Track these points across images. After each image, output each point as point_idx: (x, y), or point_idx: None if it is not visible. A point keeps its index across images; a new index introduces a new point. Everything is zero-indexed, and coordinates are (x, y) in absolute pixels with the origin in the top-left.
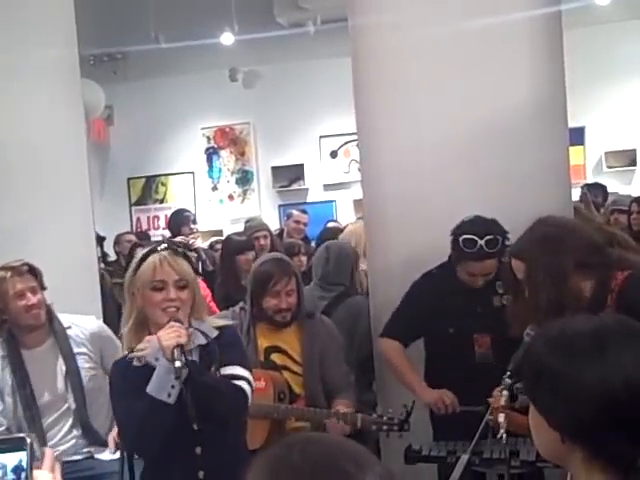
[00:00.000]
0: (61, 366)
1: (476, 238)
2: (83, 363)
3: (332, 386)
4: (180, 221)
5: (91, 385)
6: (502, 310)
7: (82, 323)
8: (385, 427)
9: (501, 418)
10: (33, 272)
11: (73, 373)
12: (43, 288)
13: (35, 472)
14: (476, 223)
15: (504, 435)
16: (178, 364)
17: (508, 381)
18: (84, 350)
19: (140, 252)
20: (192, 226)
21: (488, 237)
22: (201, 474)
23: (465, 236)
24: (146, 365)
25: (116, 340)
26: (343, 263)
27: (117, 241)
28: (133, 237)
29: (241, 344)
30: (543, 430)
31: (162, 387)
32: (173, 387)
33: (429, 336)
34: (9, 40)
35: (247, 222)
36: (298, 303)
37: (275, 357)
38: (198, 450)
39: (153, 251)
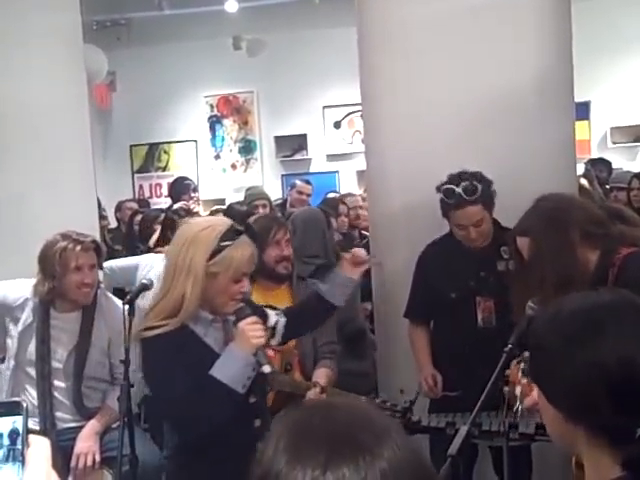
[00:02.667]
0: (75, 341)
1: (452, 186)
2: (98, 345)
3: (317, 349)
4: (180, 189)
5: (94, 370)
6: (506, 275)
7: (114, 304)
8: (388, 413)
9: (518, 391)
10: (98, 250)
11: (80, 354)
12: (101, 268)
13: (31, 437)
14: (456, 174)
15: (520, 408)
16: (267, 369)
17: (524, 354)
18: (103, 335)
19: (218, 228)
20: (192, 194)
21: (464, 184)
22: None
23: (444, 187)
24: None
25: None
26: (311, 232)
27: (119, 208)
28: (135, 205)
29: None
30: (548, 411)
31: (239, 379)
32: (249, 379)
33: (434, 303)
34: (11, 5)
35: (248, 190)
36: (292, 263)
37: None
38: (257, 423)
39: (238, 233)
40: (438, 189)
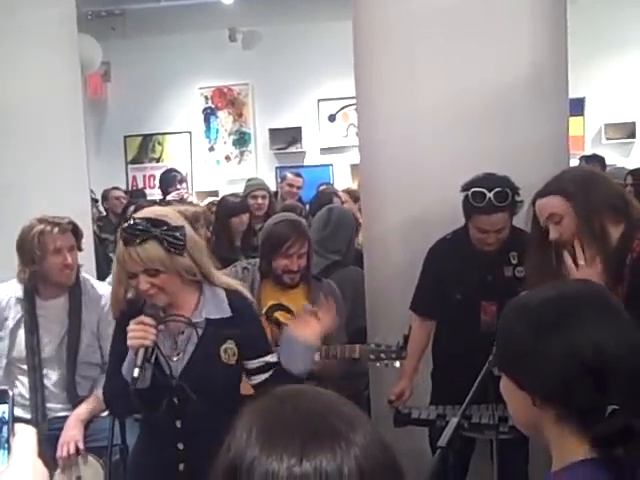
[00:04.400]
0: (64, 327)
1: (484, 191)
2: (88, 328)
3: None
4: (167, 182)
5: (86, 355)
6: (513, 281)
7: (99, 288)
8: (383, 355)
9: None
10: (76, 232)
11: (72, 339)
12: (80, 249)
13: (17, 425)
14: (485, 177)
15: None
16: (135, 373)
17: None
18: (92, 319)
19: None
20: (178, 186)
21: (497, 189)
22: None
23: (474, 189)
24: None
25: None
26: (343, 229)
27: (105, 197)
28: (121, 193)
29: (260, 323)
30: (514, 397)
31: (128, 373)
32: (135, 378)
33: (439, 300)
34: None
35: (248, 180)
36: (307, 266)
37: (279, 314)
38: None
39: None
40: (465, 188)
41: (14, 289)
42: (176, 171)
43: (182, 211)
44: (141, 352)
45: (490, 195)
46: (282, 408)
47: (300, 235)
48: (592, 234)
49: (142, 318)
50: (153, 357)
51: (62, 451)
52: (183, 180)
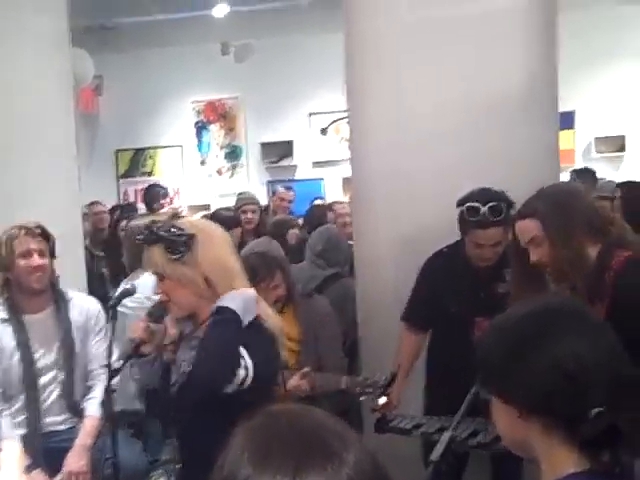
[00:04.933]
0: (57, 336)
1: (479, 205)
2: (76, 337)
3: (324, 370)
4: (151, 197)
5: (79, 359)
6: (506, 297)
7: (82, 300)
8: (369, 390)
9: None
10: (45, 235)
11: (67, 345)
12: (53, 255)
13: (3, 442)
14: (480, 192)
15: None
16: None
17: None
18: (79, 325)
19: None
20: (162, 201)
21: (491, 204)
22: None
23: (468, 204)
24: None
25: (103, 322)
26: (343, 244)
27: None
28: (102, 208)
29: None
30: (501, 413)
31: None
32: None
33: (432, 314)
34: None
35: (239, 195)
36: (288, 291)
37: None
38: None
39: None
40: (460, 203)
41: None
42: (160, 186)
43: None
44: (128, 345)
45: (484, 209)
46: (275, 426)
47: (269, 269)
48: (567, 257)
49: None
50: (155, 359)
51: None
52: (167, 195)
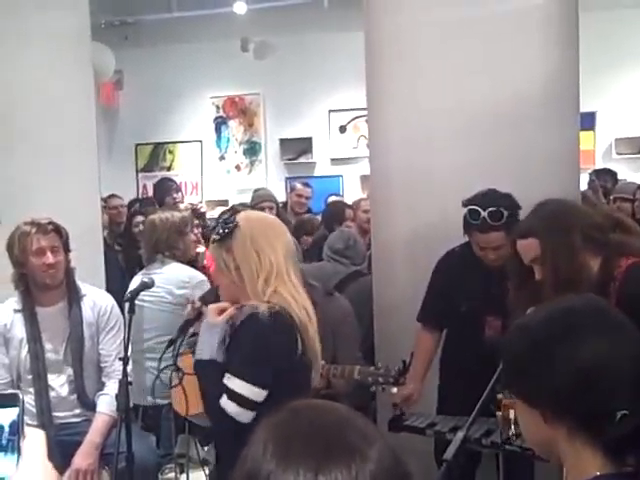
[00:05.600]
0: (66, 330)
1: (479, 209)
2: (86, 332)
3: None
4: (163, 191)
5: (89, 355)
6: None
7: (96, 295)
8: (381, 379)
9: (512, 415)
10: (58, 231)
11: (76, 340)
12: (67, 250)
13: (26, 428)
14: (483, 195)
15: (515, 431)
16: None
17: None
18: (91, 321)
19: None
20: (174, 195)
21: (491, 209)
22: None
23: (470, 207)
24: None
25: (120, 319)
26: (362, 245)
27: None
28: (120, 202)
29: (249, 344)
30: (526, 415)
31: None
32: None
33: (445, 312)
34: (20, 4)
35: (256, 191)
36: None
37: None
38: None
39: None
40: (464, 205)
41: (13, 303)
42: (171, 180)
43: (168, 217)
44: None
45: (484, 214)
46: (298, 422)
47: None
48: (569, 274)
49: None
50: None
51: (77, 479)
52: (179, 189)
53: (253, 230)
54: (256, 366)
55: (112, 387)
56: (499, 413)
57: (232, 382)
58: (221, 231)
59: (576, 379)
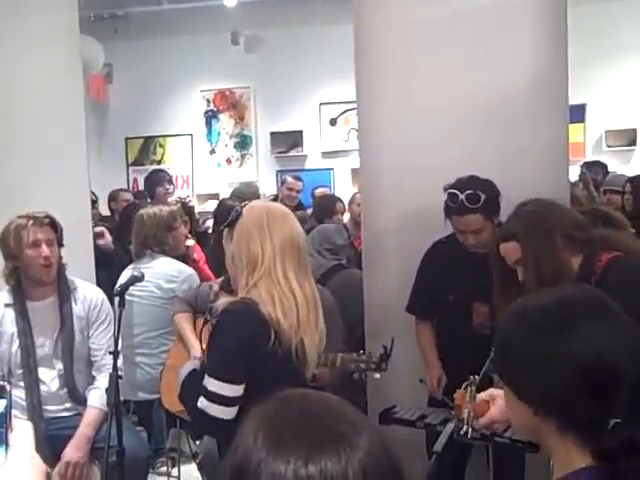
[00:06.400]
0: (57, 324)
1: (457, 192)
2: (77, 326)
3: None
4: (155, 181)
5: (79, 349)
6: None
7: (86, 289)
8: (363, 366)
9: (465, 414)
10: (53, 225)
11: (66, 334)
12: (60, 244)
13: (14, 420)
14: (463, 180)
15: (469, 431)
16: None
17: (472, 378)
18: (81, 315)
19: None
20: (167, 186)
21: (468, 192)
22: None
23: (449, 190)
24: None
25: (110, 312)
26: (343, 241)
27: (113, 198)
28: (130, 196)
29: (217, 342)
30: (515, 406)
31: None
32: None
33: (434, 302)
34: None
35: (238, 188)
36: None
37: None
38: None
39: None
40: (445, 189)
41: (3, 298)
42: (163, 171)
43: (156, 212)
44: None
45: (462, 197)
46: (288, 411)
47: None
48: (551, 275)
49: None
50: None
51: (67, 470)
52: (171, 180)
53: (249, 221)
54: (226, 363)
55: (103, 381)
56: (452, 412)
57: (208, 382)
58: (228, 221)
59: (569, 376)
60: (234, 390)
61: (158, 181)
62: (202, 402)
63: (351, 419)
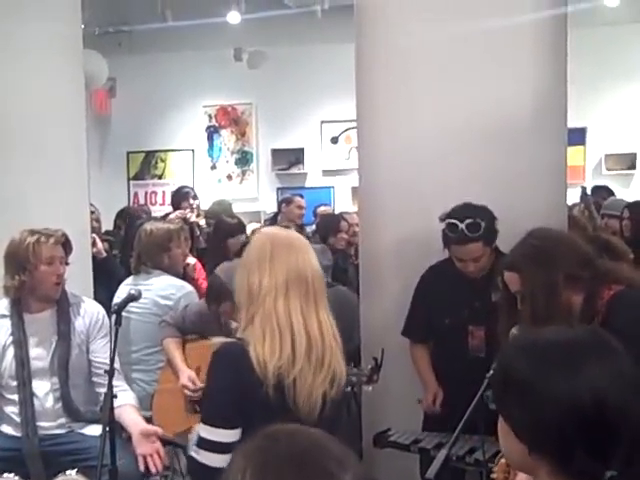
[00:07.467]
0: (54, 338)
1: (457, 222)
2: (74, 340)
3: None
4: (180, 197)
5: (76, 363)
6: (499, 306)
7: (87, 304)
8: (354, 379)
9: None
10: (67, 245)
11: (62, 348)
12: (67, 263)
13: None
14: (460, 208)
15: None
16: None
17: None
18: (81, 329)
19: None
20: (191, 201)
21: (468, 221)
22: None
23: (448, 220)
24: None
25: (107, 327)
26: (327, 260)
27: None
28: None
29: (209, 385)
30: (510, 440)
31: None
32: None
33: (430, 326)
34: (11, 10)
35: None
36: None
37: None
38: None
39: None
40: (442, 219)
41: (1, 307)
42: (188, 187)
43: (153, 230)
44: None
45: (462, 226)
46: (275, 448)
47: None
48: (544, 313)
49: None
50: None
51: (152, 465)
52: (196, 196)
53: (251, 251)
54: (214, 406)
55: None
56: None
57: (200, 428)
58: (237, 252)
59: (568, 418)
60: (224, 435)
61: (182, 197)
62: (193, 449)
63: (338, 456)
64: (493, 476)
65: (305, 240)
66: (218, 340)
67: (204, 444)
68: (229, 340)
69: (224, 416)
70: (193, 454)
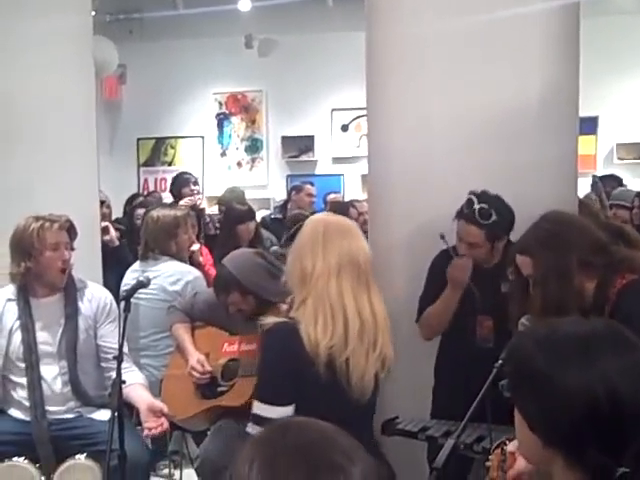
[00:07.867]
0: (61, 322)
1: (475, 200)
2: (82, 325)
3: None
4: (180, 183)
5: (84, 348)
6: (508, 296)
7: (94, 289)
8: None
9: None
10: (72, 230)
11: (70, 332)
12: (72, 249)
13: None
14: (489, 193)
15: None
16: None
17: (508, 443)
18: (88, 314)
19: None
20: (192, 187)
21: (484, 205)
22: None
23: (469, 196)
24: None
25: (115, 312)
26: None
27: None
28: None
29: (260, 364)
30: (525, 432)
31: None
32: None
33: None
34: (22, 1)
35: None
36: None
37: None
38: None
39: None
40: (469, 193)
41: (7, 292)
42: (188, 173)
43: (160, 217)
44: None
45: (477, 207)
46: (284, 441)
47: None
48: (556, 298)
49: None
50: None
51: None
52: (196, 182)
53: (305, 236)
54: (268, 384)
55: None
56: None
57: (254, 405)
58: (289, 236)
59: (581, 408)
60: (279, 412)
61: (184, 182)
62: (249, 426)
63: (346, 449)
64: (488, 464)
65: (355, 225)
66: (269, 320)
67: (258, 420)
68: (280, 319)
69: (277, 393)
70: (249, 430)
